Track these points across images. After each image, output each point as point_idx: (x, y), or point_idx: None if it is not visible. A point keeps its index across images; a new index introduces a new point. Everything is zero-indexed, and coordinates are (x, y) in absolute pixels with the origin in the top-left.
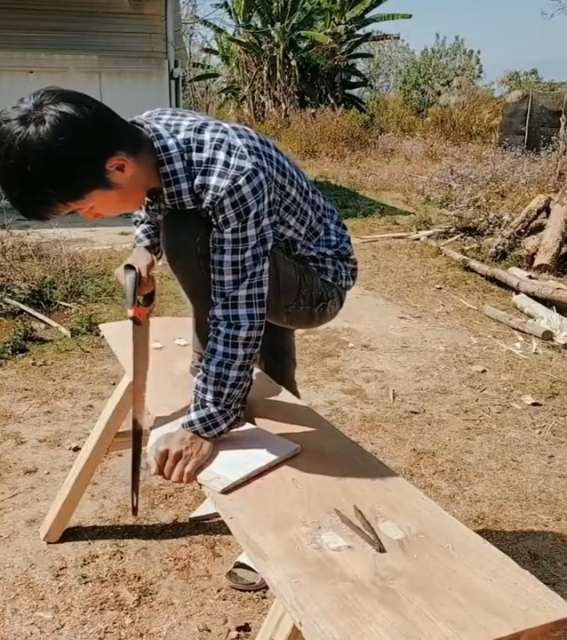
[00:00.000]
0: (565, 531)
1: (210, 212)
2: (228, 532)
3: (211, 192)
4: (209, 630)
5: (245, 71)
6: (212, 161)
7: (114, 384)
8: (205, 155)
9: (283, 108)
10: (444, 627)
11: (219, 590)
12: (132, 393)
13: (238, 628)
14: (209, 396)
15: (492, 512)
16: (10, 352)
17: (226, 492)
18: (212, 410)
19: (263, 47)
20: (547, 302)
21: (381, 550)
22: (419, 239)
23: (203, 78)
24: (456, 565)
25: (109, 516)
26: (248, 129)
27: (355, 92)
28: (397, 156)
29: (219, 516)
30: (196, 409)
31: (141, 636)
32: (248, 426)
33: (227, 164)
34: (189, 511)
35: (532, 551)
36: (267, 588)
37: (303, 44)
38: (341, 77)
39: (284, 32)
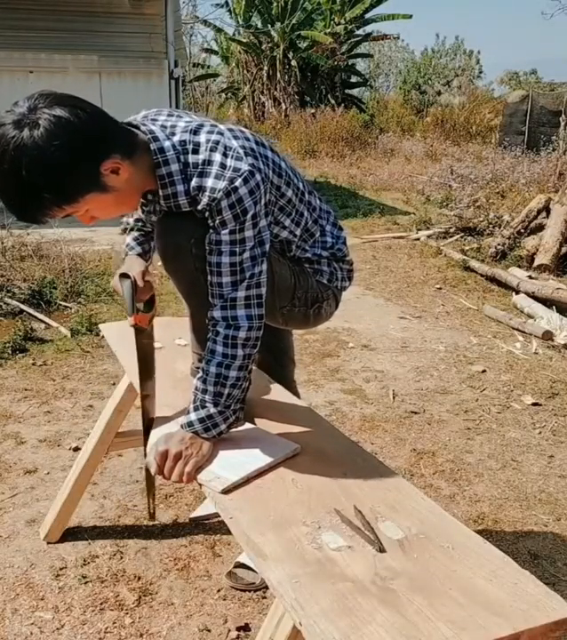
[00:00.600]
0: (565, 531)
1: (206, 214)
2: (228, 532)
3: (207, 194)
4: (209, 630)
5: (245, 71)
6: (209, 163)
7: (114, 384)
8: (201, 157)
9: (283, 107)
10: (444, 627)
11: (219, 590)
12: (141, 402)
13: (238, 628)
14: (208, 397)
15: (492, 512)
16: (10, 352)
17: (226, 491)
18: (212, 410)
19: (263, 47)
20: (547, 302)
21: (381, 550)
22: (419, 239)
23: (203, 78)
24: (456, 565)
25: (109, 516)
26: (243, 130)
27: (355, 91)
28: (397, 156)
29: (219, 516)
30: (196, 409)
31: (141, 636)
32: (248, 426)
33: (223, 166)
34: (189, 511)
35: (532, 551)
36: (267, 587)
37: (303, 44)
38: (341, 77)
39: (284, 32)
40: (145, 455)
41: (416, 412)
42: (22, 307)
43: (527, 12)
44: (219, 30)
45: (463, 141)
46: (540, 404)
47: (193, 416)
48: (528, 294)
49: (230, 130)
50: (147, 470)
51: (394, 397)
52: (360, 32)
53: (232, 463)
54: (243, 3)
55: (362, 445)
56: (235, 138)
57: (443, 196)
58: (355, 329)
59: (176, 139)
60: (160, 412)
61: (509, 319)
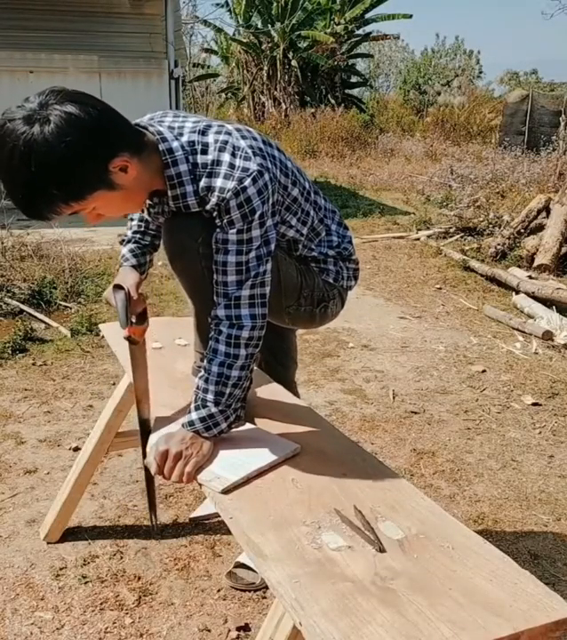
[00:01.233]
0: (565, 531)
1: (215, 214)
2: (228, 532)
3: (217, 194)
4: (209, 630)
5: (245, 71)
6: (217, 163)
7: (114, 384)
8: (210, 157)
9: (283, 108)
10: (444, 627)
11: (219, 590)
12: (136, 407)
13: (238, 628)
14: (210, 396)
15: (492, 512)
16: (10, 352)
17: (226, 491)
18: (213, 409)
19: (263, 47)
20: (547, 302)
21: (381, 550)
22: (419, 239)
23: (203, 78)
24: (456, 565)
25: (109, 516)
26: (251, 130)
27: (355, 91)
28: (397, 156)
29: (219, 516)
30: (197, 408)
31: (141, 636)
32: (248, 426)
33: (232, 166)
34: (189, 511)
35: (532, 551)
36: (267, 587)
37: (303, 44)
38: (341, 77)
39: (284, 32)
40: (144, 456)
41: (416, 412)
42: (22, 307)
43: (527, 12)
44: (219, 30)
45: (463, 141)
46: (540, 404)
47: (194, 415)
48: (528, 294)
49: (238, 129)
50: (149, 485)
51: (394, 397)
52: (360, 32)
53: (232, 463)
54: (244, 3)
55: (362, 445)
56: (243, 138)
57: (443, 195)
58: (355, 329)
59: (184, 139)
60: (159, 412)
61: (509, 319)
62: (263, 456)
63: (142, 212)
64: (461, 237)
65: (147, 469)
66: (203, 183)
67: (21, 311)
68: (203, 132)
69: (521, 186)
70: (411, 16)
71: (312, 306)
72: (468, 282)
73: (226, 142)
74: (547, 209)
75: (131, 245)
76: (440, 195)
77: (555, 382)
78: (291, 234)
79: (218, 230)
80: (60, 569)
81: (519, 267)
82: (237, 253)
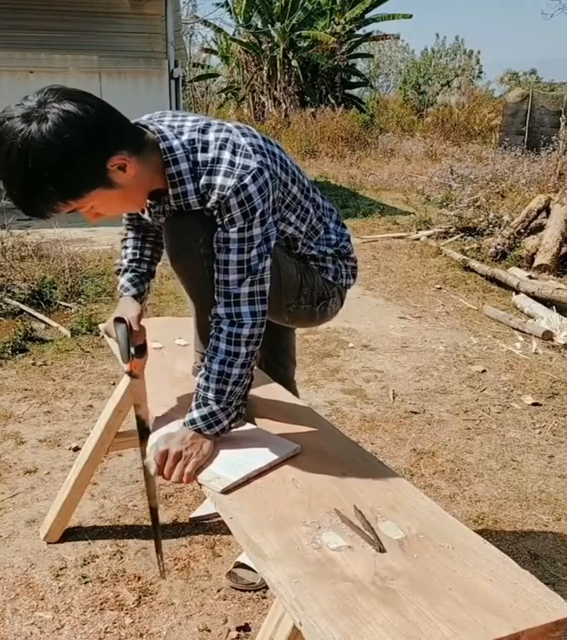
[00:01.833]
0: (565, 531)
1: (215, 212)
2: (228, 532)
3: (217, 191)
4: (209, 630)
5: (245, 71)
6: (218, 160)
7: (114, 384)
8: (210, 155)
9: (283, 108)
10: (444, 627)
11: (219, 590)
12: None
13: (238, 628)
14: (211, 394)
15: (492, 512)
16: (10, 352)
17: (226, 491)
18: (214, 407)
19: (263, 47)
20: (547, 302)
21: (381, 550)
22: (419, 239)
23: (203, 78)
24: (456, 565)
25: (109, 516)
26: (250, 128)
27: (355, 91)
28: (397, 156)
29: (219, 516)
30: (198, 407)
31: (141, 636)
32: (248, 426)
33: (232, 164)
34: (189, 511)
35: (532, 551)
36: (267, 587)
37: (303, 44)
38: (341, 77)
39: (284, 32)
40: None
41: (416, 412)
42: (22, 307)
43: (527, 11)
44: (219, 30)
45: (463, 141)
46: (540, 404)
47: (195, 413)
48: (528, 294)
49: (238, 127)
50: (154, 526)
51: (394, 397)
52: (360, 32)
53: (232, 463)
54: (244, 3)
55: (362, 445)
56: (244, 135)
57: (443, 195)
58: (355, 329)
59: (184, 138)
60: (159, 411)
61: (509, 319)
62: (263, 456)
63: (143, 212)
64: (461, 237)
65: (152, 511)
66: (203, 181)
67: (21, 311)
68: (204, 131)
69: (521, 186)
70: (411, 16)
71: (312, 304)
72: (468, 282)
73: (226, 140)
74: (547, 209)
75: (128, 275)
76: (440, 195)
77: (555, 382)
78: (290, 231)
79: (219, 229)
80: (60, 569)
81: (519, 267)
82: (239, 252)
